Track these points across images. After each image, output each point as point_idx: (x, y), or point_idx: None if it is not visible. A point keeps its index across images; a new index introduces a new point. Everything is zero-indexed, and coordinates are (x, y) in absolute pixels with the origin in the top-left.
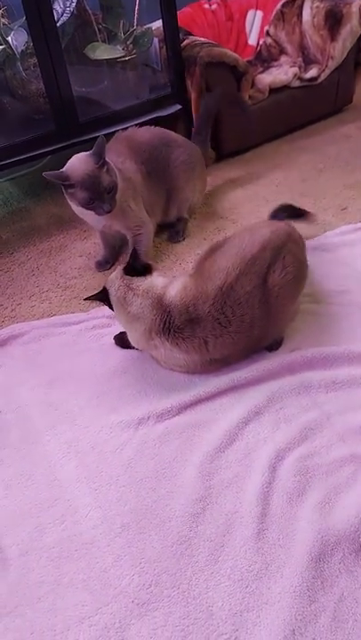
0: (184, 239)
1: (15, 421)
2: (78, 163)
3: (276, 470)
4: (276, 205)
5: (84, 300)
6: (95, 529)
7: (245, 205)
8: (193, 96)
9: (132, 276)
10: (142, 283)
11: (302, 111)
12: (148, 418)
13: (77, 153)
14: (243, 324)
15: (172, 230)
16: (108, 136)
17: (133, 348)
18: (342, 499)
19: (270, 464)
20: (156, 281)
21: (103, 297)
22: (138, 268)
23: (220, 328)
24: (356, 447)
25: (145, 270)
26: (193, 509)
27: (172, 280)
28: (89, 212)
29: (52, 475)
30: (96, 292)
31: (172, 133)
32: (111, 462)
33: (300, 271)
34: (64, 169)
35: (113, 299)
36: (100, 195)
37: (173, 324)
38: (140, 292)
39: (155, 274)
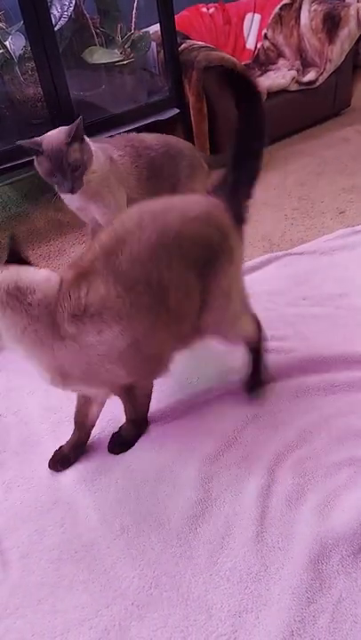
0: None
1: (15, 425)
2: (53, 133)
3: (274, 473)
4: (276, 209)
5: None
6: (95, 531)
7: None
8: (191, 100)
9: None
10: (36, 273)
11: (300, 115)
12: (148, 421)
13: None
14: (152, 286)
15: None
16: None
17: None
18: (341, 501)
19: (269, 467)
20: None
21: None
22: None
23: (123, 287)
24: (355, 450)
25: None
26: (192, 511)
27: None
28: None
29: (51, 477)
30: None
31: (178, 143)
32: (110, 465)
33: (208, 259)
34: (39, 138)
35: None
36: (62, 169)
37: (72, 298)
38: (38, 280)
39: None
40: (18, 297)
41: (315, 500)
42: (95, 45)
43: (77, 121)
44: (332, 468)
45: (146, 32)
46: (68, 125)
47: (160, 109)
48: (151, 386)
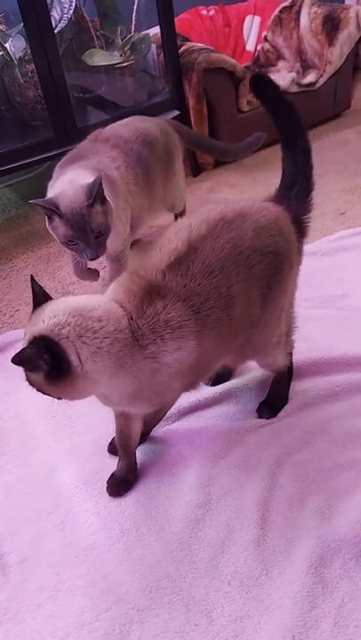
0: None
1: (15, 428)
2: (70, 192)
3: (275, 476)
4: None
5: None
6: (95, 535)
7: None
8: (191, 102)
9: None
10: (71, 302)
11: (300, 116)
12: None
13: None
14: (221, 297)
15: None
16: None
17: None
18: (342, 504)
19: (270, 470)
20: (81, 298)
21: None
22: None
23: (196, 301)
24: (356, 453)
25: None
26: (193, 515)
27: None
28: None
29: (51, 481)
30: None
31: (148, 127)
32: (111, 469)
33: (275, 271)
34: (54, 196)
35: (60, 337)
36: (85, 236)
37: (143, 316)
38: (78, 313)
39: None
40: (87, 338)
41: (316, 503)
42: (95, 48)
43: (97, 177)
44: (334, 470)
45: (146, 34)
46: (75, 144)
47: (160, 111)
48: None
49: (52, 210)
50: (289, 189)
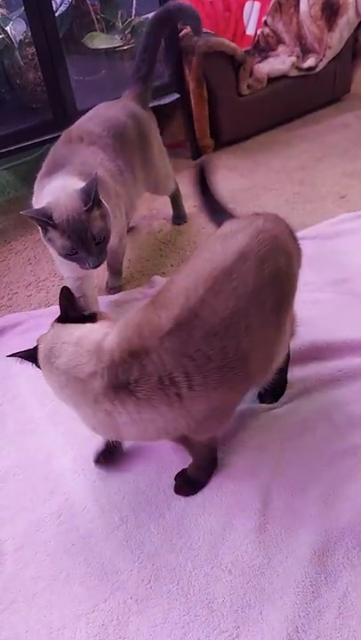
0: (186, 222)
1: (12, 412)
2: (64, 198)
3: (277, 462)
4: (277, 193)
5: (7, 356)
6: (93, 522)
7: (245, 194)
8: (191, 86)
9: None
10: (77, 330)
11: (301, 100)
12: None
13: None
14: (227, 357)
15: (173, 215)
16: None
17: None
18: (345, 491)
19: (271, 456)
20: (96, 326)
21: (31, 355)
22: (75, 317)
23: (192, 363)
24: (358, 439)
25: (86, 319)
26: (193, 501)
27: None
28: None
29: (48, 467)
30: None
31: (115, 112)
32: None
33: (282, 292)
34: (46, 205)
35: (40, 355)
36: (85, 245)
37: (120, 367)
38: (73, 340)
39: (100, 322)
40: (50, 359)
41: (318, 490)
42: (96, 31)
43: (93, 178)
44: (336, 457)
45: (146, 18)
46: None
47: (160, 95)
48: (214, 440)
49: (45, 221)
50: None
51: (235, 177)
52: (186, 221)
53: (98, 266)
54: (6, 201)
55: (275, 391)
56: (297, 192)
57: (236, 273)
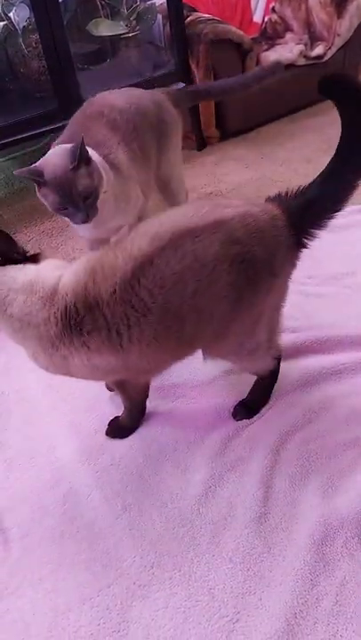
0: None
1: (17, 403)
2: (53, 157)
3: (279, 454)
4: (282, 185)
5: None
6: (96, 510)
7: (250, 185)
8: (199, 75)
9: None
10: (22, 273)
11: (308, 90)
12: (151, 400)
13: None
14: (167, 314)
15: None
16: None
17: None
18: (345, 482)
19: (273, 447)
20: (45, 269)
21: None
22: (15, 258)
23: (134, 315)
24: (360, 431)
25: (28, 260)
26: (195, 491)
27: (73, 263)
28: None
29: (53, 456)
30: None
31: (141, 94)
32: (113, 444)
33: (249, 282)
34: (38, 163)
35: None
36: (72, 200)
37: (74, 317)
38: (20, 287)
39: (45, 262)
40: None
41: (319, 481)
42: (100, 17)
43: (80, 140)
44: (337, 449)
45: (152, 4)
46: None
47: (166, 83)
48: (143, 385)
49: (36, 179)
50: (313, 202)
51: (240, 168)
52: None
53: (87, 221)
54: (11, 192)
55: (250, 406)
56: (302, 184)
57: (203, 237)
